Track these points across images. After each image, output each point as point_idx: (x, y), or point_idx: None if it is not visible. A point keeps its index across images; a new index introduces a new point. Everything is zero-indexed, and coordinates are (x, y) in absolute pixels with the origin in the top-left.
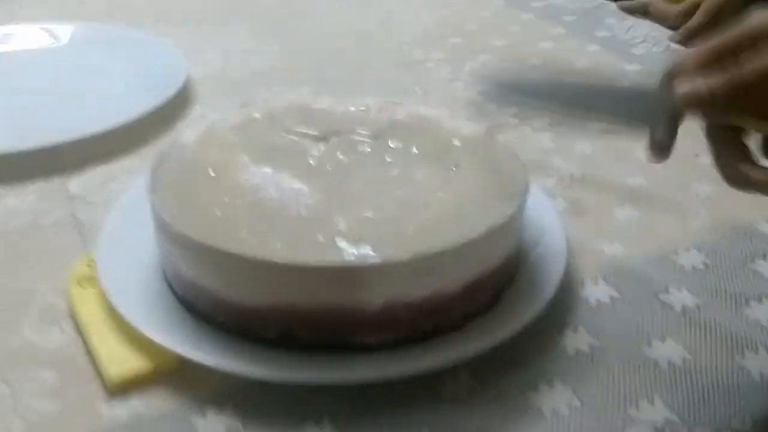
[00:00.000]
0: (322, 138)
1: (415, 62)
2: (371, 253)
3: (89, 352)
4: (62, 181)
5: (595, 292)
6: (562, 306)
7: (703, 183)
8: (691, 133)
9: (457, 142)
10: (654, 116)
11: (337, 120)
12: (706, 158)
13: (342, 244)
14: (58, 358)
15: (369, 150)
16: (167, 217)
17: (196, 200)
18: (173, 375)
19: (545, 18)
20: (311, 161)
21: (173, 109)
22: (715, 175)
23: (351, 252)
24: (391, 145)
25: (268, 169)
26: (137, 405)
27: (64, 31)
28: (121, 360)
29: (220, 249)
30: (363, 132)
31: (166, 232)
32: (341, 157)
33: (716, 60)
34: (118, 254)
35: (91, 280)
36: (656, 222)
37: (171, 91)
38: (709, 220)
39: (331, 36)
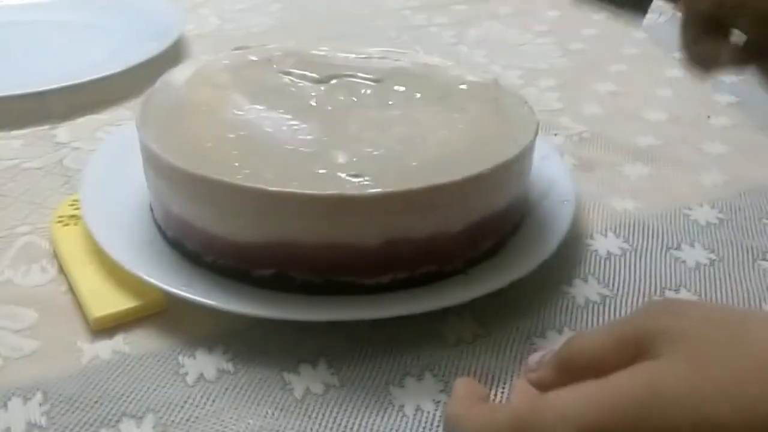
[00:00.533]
0: (322, 80)
1: (417, 26)
2: (374, 185)
3: (71, 290)
4: (50, 129)
5: (605, 243)
6: (571, 256)
7: (715, 143)
8: (702, 95)
9: (463, 87)
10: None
11: (337, 65)
12: (717, 119)
13: (341, 175)
14: (38, 296)
15: (370, 92)
16: (156, 148)
17: (185, 133)
18: (160, 316)
19: None
20: (310, 101)
21: (166, 63)
22: (728, 135)
23: (350, 182)
24: (395, 89)
25: (262, 107)
26: (121, 344)
27: None
28: (104, 297)
29: (210, 178)
30: (365, 76)
31: (154, 164)
32: (341, 98)
33: None
34: (103, 194)
35: (75, 219)
36: (668, 179)
37: (164, 44)
38: (721, 177)
39: None
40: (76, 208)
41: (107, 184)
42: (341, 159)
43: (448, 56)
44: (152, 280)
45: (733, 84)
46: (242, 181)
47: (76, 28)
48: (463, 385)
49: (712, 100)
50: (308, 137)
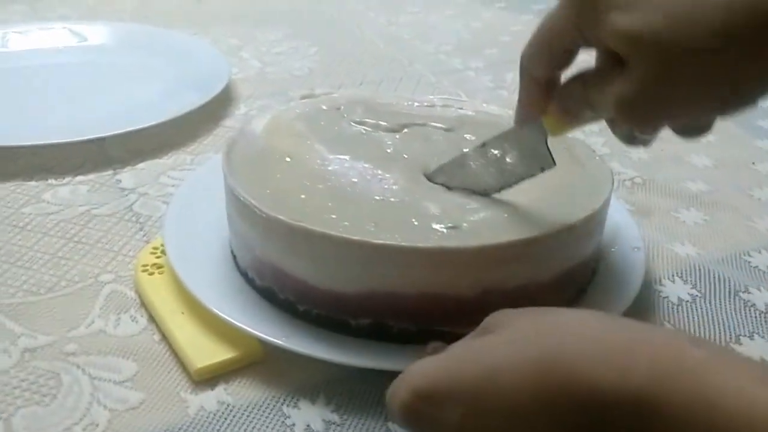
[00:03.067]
0: (394, 129)
1: (455, 70)
2: (473, 236)
3: (166, 340)
4: (113, 174)
5: (675, 290)
6: (645, 303)
7: (763, 189)
8: (746, 143)
9: None
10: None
11: (404, 114)
12: (762, 165)
13: (439, 227)
14: (133, 346)
15: (443, 140)
16: (252, 200)
17: (276, 184)
18: (258, 365)
19: None
20: (386, 149)
21: (217, 107)
22: None
23: (448, 234)
24: (465, 137)
25: (344, 157)
26: (223, 394)
27: (102, 31)
28: (203, 347)
29: (312, 230)
30: (435, 125)
31: (248, 215)
32: (417, 146)
33: None
34: (186, 243)
35: (158, 267)
36: (723, 225)
37: (217, 88)
38: None
39: (366, 42)
40: (158, 257)
41: (188, 233)
42: (433, 210)
43: (491, 101)
44: (255, 332)
45: None
46: (344, 233)
47: (123, 71)
48: None
49: (753, 146)
50: (394, 187)
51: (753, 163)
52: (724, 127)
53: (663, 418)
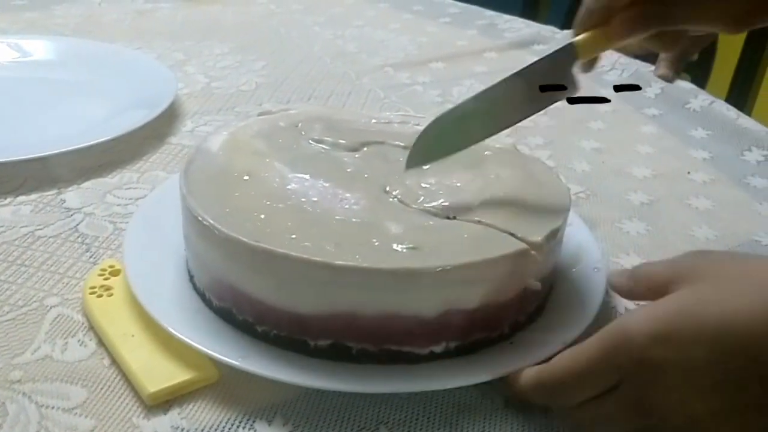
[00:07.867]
0: (353, 148)
1: (402, 85)
2: (434, 257)
3: (116, 364)
4: (57, 194)
5: (625, 302)
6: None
7: (699, 198)
8: (680, 152)
9: (488, 153)
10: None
11: (363, 131)
12: (696, 175)
13: (400, 248)
14: (82, 372)
15: (402, 159)
16: (212, 221)
17: (236, 204)
18: (213, 387)
19: (520, 47)
20: (347, 168)
21: (163, 123)
22: (709, 191)
23: (409, 255)
24: None
25: (304, 176)
26: (177, 419)
27: (44, 46)
28: (155, 370)
29: (273, 251)
30: (393, 143)
31: (207, 236)
32: (377, 165)
33: None
34: (144, 265)
35: (108, 290)
36: (665, 235)
37: (163, 104)
38: (712, 233)
39: (312, 57)
40: (106, 278)
41: (146, 253)
42: (394, 230)
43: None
44: (209, 352)
45: (703, 139)
46: (306, 255)
47: (66, 87)
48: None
49: (688, 156)
50: (355, 207)
51: (688, 173)
52: (659, 136)
53: None
